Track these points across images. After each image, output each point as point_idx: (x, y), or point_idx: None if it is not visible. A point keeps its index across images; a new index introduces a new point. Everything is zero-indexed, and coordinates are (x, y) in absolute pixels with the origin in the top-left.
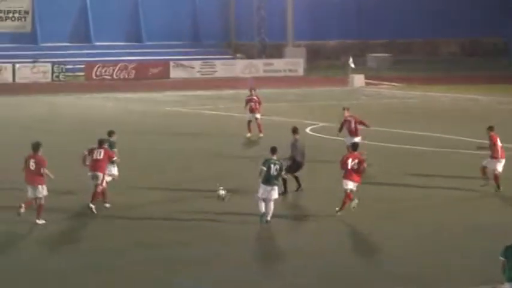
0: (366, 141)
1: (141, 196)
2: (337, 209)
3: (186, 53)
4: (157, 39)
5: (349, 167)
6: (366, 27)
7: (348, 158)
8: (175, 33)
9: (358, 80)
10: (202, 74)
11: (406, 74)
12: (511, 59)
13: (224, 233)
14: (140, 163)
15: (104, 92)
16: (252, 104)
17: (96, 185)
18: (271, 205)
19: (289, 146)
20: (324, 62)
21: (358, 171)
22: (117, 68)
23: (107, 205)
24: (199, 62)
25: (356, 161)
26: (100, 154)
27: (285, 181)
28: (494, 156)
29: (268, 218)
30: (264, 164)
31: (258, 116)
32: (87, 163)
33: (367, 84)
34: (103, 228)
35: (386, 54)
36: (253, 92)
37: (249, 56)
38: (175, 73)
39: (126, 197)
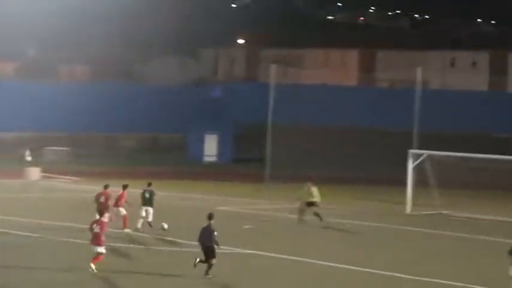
0: None
1: None
2: (93, 266)
3: None
4: None
5: (95, 231)
6: (44, 120)
7: (93, 224)
8: None
9: (34, 173)
10: None
11: (85, 168)
12: (188, 155)
13: None
14: None
15: None
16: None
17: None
18: None
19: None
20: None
21: (100, 234)
22: None
23: None
24: None
25: (99, 226)
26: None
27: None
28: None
29: None
30: None
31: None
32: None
33: (44, 177)
34: None
35: (66, 148)
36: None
37: None
38: None
39: None
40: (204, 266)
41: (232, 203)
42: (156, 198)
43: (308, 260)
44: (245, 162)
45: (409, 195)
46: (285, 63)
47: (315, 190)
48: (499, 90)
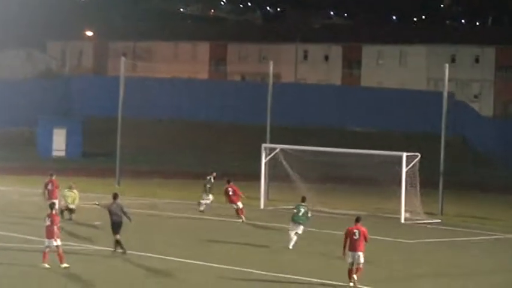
0: None
1: None
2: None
3: None
4: None
5: (47, 224)
6: None
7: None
8: None
9: None
10: None
11: None
12: (37, 150)
13: None
14: None
15: None
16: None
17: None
18: None
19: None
20: None
21: (52, 227)
22: None
23: None
24: None
25: (50, 219)
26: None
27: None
28: None
29: None
30: None
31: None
32: None
33: None
34: None
35: None
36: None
37: None
38: None
39: None
40: None
41: (83, 199)
42: None
43: (146, 254)
44: (95, 156)
45: (263, 190)
46: (134, 56)
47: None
48: (352, 84)
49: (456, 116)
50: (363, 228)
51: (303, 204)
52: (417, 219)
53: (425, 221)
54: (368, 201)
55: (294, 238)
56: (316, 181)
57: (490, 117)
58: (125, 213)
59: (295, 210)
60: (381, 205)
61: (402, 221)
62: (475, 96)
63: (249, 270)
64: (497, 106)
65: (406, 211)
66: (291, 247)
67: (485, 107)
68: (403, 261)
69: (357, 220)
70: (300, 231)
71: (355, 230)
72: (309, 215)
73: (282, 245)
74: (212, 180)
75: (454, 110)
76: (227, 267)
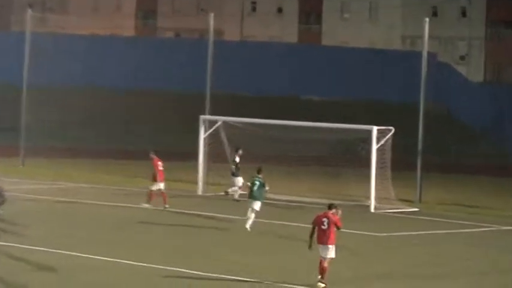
0: None
1: None
2: None
3: None
4: None
5: None
6: None
7: None
8: None
9: None
10: None
11: None
12: None
13: None
14: None
15: None
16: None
17: None
18: None
19: None
20: None
21: None
22: None
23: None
24: None
25: None
26: None
27: None
28: None
29: None
30: None
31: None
32: None
33: None
34: None
35: None
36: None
37: None
38: None
39: None
40: None
41: None
42: None
43: (46, 249)
44: None
45: (201, 172)
46: (44, 8)
47: None
48: (311, 42)
49: (439, 82)
50: (334, 217)
51: (259, 176)
52: (390, 208)
53: (400, 210)
54: (330, 186)
55: (252, 216)
56: (266, 161)
57: (479, 83)
58: (2, 196)
59: (249, 184)
60: (346, 190)
61: (372, 209)
62: (462, 58)
63: (175, 268)
64: (489, 69)
65: (376, 198)
66: (247, 227)
67: (474, 71)
68: (372, 259)
69: (329, 207)
70: (257, 208)
71: (323, 219)
72: (266, 188)
73: (220, 238)
74: (237, 159)
75: (436, 74)
76: (149, 265)
